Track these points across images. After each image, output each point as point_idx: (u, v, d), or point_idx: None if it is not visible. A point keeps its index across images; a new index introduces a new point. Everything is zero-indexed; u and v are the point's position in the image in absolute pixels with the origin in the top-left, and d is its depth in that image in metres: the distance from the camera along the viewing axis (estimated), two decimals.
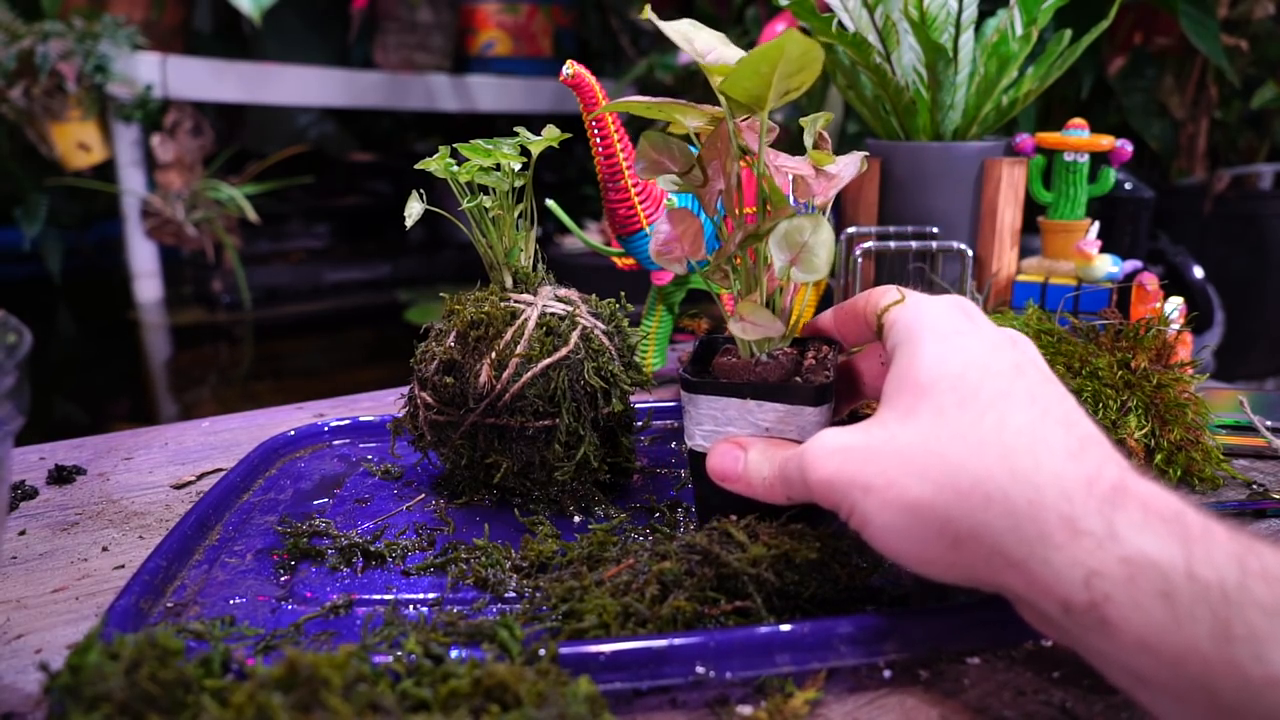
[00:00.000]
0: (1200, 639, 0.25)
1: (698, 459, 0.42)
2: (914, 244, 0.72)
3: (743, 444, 0.40)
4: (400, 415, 0.52)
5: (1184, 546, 0.27)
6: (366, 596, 0.41)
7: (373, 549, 0.44)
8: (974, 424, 0.31)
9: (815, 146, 0.43)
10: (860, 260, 0.72)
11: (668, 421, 0.63)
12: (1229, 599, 0.25)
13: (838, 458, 0.34)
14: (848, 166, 0.43)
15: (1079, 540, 0.28)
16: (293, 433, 0.59)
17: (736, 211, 0.43)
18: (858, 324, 0.42)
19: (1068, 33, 0.78)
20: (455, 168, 0.49)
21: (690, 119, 0.42)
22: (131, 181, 2.23)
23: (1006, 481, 0.30)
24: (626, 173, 0.62)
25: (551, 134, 0.50)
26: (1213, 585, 0.26)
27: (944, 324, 0.35)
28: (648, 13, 0.41)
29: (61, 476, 0.57)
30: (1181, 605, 0.26)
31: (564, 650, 0.33)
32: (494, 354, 0.47)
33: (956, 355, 0.34)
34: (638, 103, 0.41)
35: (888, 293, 0.40)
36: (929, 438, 0.32)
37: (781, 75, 0.37)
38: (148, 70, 2.15)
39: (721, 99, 0.39)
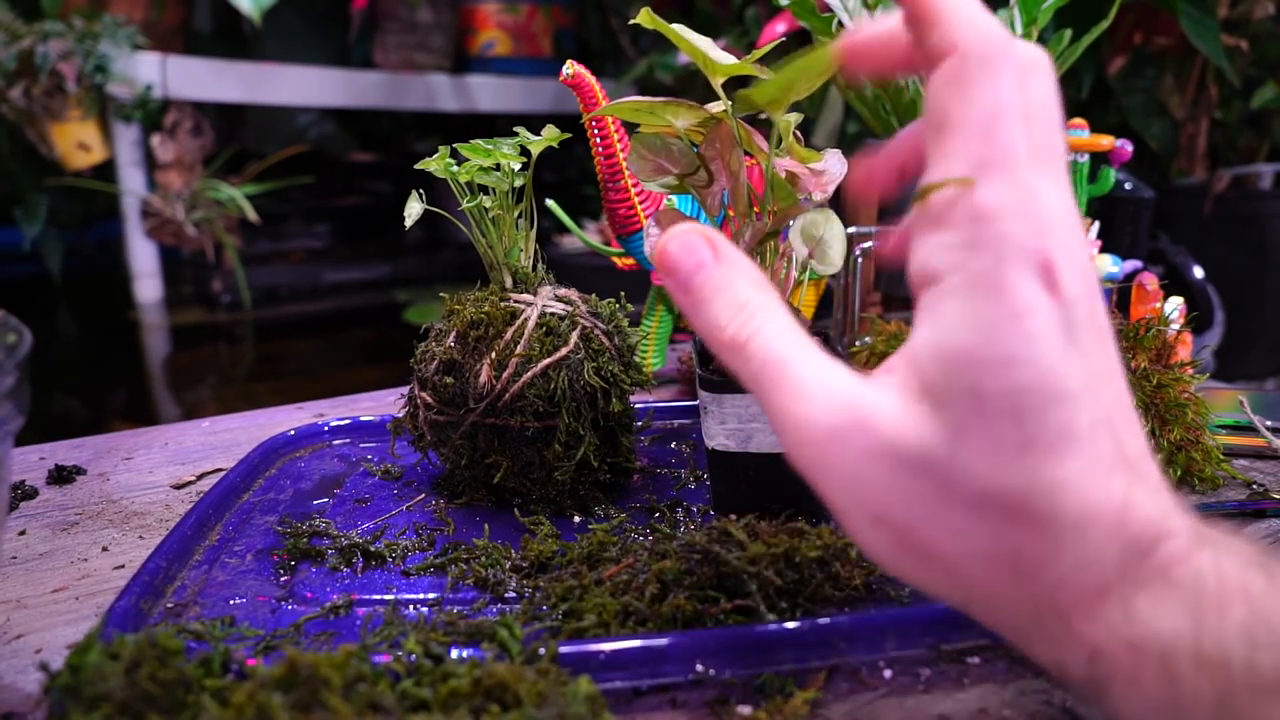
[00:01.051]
0: (1200, 718, 0.24)
1: (720, 459, 0.42)
2: None
3: (719, 251, 0.30)
4: (400, 415, 0.52)
5: (1195, 622, 0.25)
6: (366, 596, 0.40)
7: (373, 549, 0.44)
8: (1029, 478, 0.26)
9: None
10: (860, 260, 0.72)
11: (668, 421, 0.63)
12: (1234, 680, 0.24)
13: (848, 456, 0.27)
14: (834, 165, 0.43)
15: (1093, 623, 0.26)
16: (293, 433, 0.59)
17: (753, 210, 0.43)
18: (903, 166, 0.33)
19: (1068, 33, 0.78)
20: (455, 168, 0.49)
21: (682, 118, 0.42)
22: (131, 181, 2.23)
23: (1046, 557, 0.26)
24: (626, 173, 0.62)
25: (551, 134, 0.50)
26: (1218, 665, 0.24)
27: (1018, 296, 0.26)
28: (646, 18, 0.41)
29: (61, 476, 0.57)
30: (1184, 686, 0.25)
31: (564, 649, 0.33)
32: (494, 354, 0.47)
33: (1027, 366, 0.26)
34: (628, 104, 0.41)
35: (943, 161, 0.28)
36: (974, 476, 0.26)
37: (808, 81, 0.37)
38: (148, 70, 2.15)
39: (724, 100, 0.39)
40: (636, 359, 0.52)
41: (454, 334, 0.49)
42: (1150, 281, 0.69)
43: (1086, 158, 0.77)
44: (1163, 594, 0.26)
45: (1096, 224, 0.76)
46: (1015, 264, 0.26)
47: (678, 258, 0.30)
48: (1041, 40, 0.81)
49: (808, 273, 0.43)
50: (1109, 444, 0.27)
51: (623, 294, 0.54)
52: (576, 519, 0.48)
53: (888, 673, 0.35)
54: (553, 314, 0.49)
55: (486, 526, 0.47)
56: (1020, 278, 0.26)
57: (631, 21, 0.41)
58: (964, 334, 0.26)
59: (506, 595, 0.40)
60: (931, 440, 0.26)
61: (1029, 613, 0.27)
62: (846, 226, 0.77)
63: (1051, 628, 0.27)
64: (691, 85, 2.16)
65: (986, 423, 0.26)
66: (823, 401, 0.27)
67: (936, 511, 0.27)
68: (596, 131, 0.61)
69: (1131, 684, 0.25)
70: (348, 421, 0.61)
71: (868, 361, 0.66)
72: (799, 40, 1.64)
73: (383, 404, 0.71)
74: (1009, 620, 0.28)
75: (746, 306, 0.29)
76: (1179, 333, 0.55)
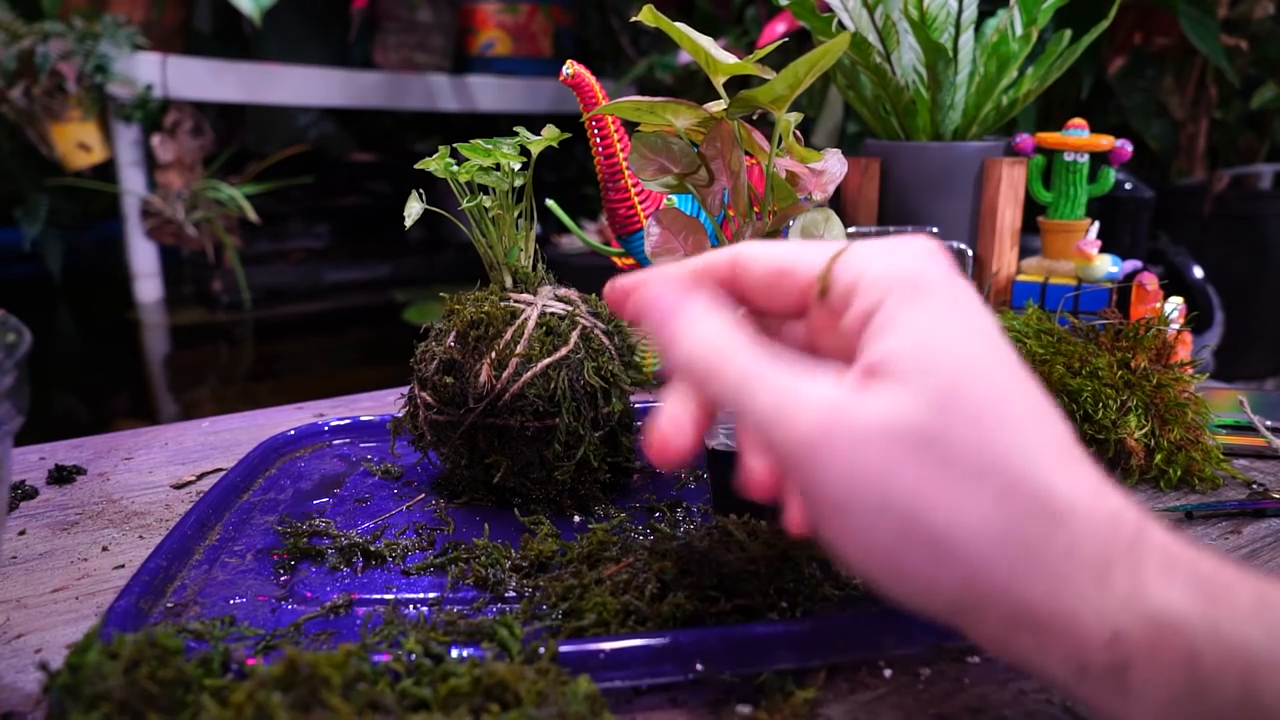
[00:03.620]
0: (1226, 706, 0.24)
1: (718, 458, 0.42)
2: None
3: (683, 296, 0.31)
4: (400, 415, 0.52)
5: (1209, 604, 0.25)
6: (366, 596, 0.41)
7: (373, 549, 0.44)
8: (1012, 446, 0.26)
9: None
10: None
11: None
12: (1256, 665, 0.24)
13: (847, 449, 0.27)
14: (834, 164, 0.43)
15: (1105, 593, 0.25)
16: (293, 432, 0.59)
17: (753, 210, 0.43)
18: (784, 289, 0.32)
19: (1068, 33, 0.78)
20: (455, 168, 0.49)
21: (682, 118, 0.42)
22: (131, 181, 2.23)
23: (1050, 524, 0.26)
24: (626, 173, 0.62)
25: (551, 134, 0.50)
26: (1238, 648, 0.24)
27: (946, 287, 0.29)
28: (649, 15, 0.41)
29: (61, 476, 0.57)
30: (1207, 671, 0.24)
31: (564, 649, 0.33)
32: (494, 354, 0.47)
33: (979, 339, 0.28)
34: (628, 104, 0.41)
35: (820, 246, 0.32)
36: (970, 442, 0.26)
37: (810, 76, 0.37)
38: (148, 70, 2.15)
39: (724, 98, 0.40)
40: (636, 359, 0.52)
41: (454, 334, 0.49)
42: (1150, 281, 0.69)
43: (1086, 158, 0.77)
44: (1167, 568, 0.25)
45: (1096, 224, 0.76)
46: (926, 260, 0.29)
47: (649, 304, 0.32)
48: (1041, 40, 0.82)
49: None
50: (1065, 436, 0.28)
51: None
52: (576, 519, 0.48)
53: (887, 672, 0.35)
54: (553, 314, 0.49)
55: (486, 526, 0.47)
56: (933, 263, 0.29)
57: (633, 19, 0.41)
58: (917, 325, 0.28)
59: (506, 595, 0.40)
60: (923, 415, 0.27)
61: (1043, 596, 0.26)
62: (846, 226, 0.77)
63: (1070, 605, 0.25)
64: (691, 85, 2.17)
65: (961, 396, 0.27)
66: (804, 401, 0.28)
67: (940, 486, 0.26)
68: (596, 131, 0.61)
69: (1152, 667, 0.24)
70: (348, 421, 0.61)
71: None
72: (799, 40, 1.64)
73: (383, 404, 0.71)
74: (1020, 614, 0.26)
75: (718, 338, 0.30)
76: (1179, 333, 0.55)
